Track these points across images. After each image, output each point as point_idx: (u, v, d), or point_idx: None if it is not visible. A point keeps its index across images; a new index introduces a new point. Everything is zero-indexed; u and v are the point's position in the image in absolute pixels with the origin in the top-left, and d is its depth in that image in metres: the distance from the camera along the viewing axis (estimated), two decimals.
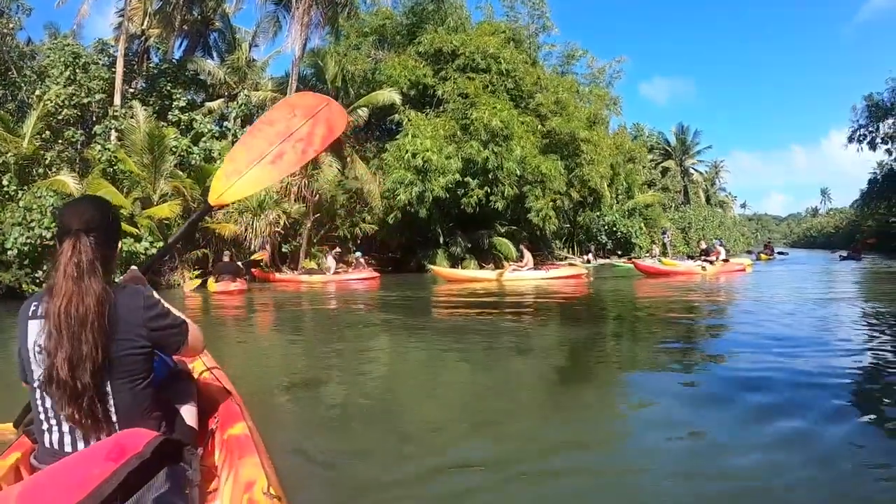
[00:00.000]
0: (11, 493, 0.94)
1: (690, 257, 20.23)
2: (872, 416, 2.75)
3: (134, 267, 1.54)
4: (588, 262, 22.92)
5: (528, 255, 14.36)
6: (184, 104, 16.30)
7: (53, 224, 9.90)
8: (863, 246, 27.16)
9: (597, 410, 3.06)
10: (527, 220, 20.18)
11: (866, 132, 34.94)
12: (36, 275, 9.94)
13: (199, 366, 2.04)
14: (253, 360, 4.53)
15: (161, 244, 11.26)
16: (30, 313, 1.25)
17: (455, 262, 18.55)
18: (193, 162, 14.44)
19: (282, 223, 14.88)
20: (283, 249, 16.05)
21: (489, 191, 17.96)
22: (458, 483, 2.01)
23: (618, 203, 29.89)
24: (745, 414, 2.77)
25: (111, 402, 1.23)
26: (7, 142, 11.84)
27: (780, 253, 31.63)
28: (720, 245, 16.59)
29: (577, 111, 21.85)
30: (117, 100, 15.15)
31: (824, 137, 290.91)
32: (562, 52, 25.81)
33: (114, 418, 1.23)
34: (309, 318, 7.79)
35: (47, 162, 12.74)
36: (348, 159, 18.03)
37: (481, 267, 17.76)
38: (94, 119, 15.50)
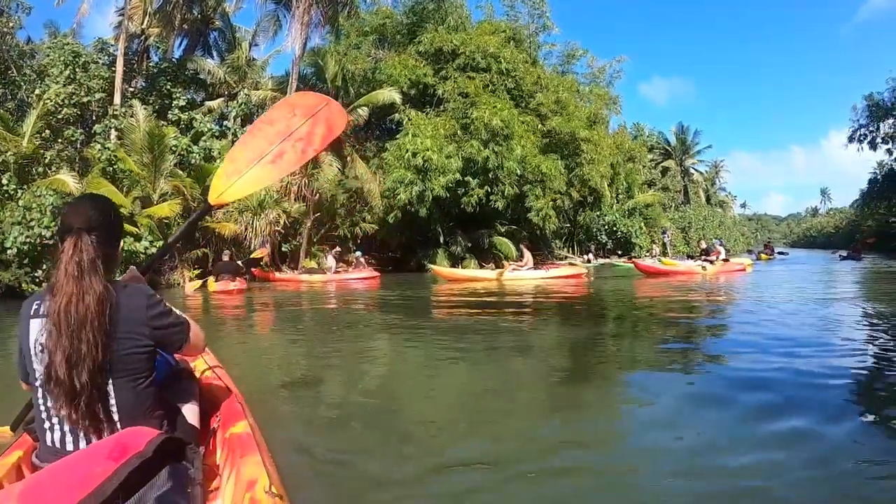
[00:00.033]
0: (13, 492, 0.94)
1: (690, 257, 20.25)
2: (873, 416, 2.75)
3: (133, 267, 1.53)
4: (588, 261, 22.93)
5: (527, 255, 14.36)
6: (184, 103, 16.30)
7: (53, 223, 9.89)
8: (863, 246, 27.15)
9: (597, 410, 3.06)
10: (527, 220, 20.18)
11: (867, 132, 34.95)
12: (35, 274, 9.94)
13: (201, 364, 2.04)
14: (253, 360, 4.53)
15: (161, 243, 11.26)
16: (31, 312, 1.25)
17: (455, 261, 18.55)
18: (193, 161, 14.44)
19: (282, 222, 14.88)
20: (283, 249, 16.05)
21: (489, 190, 17.96)
22: (458, 482, 2.01)
23: (618, 203, 29.89)
24: (746, 414, 2.76)
25: (113, 400, 1.23)
26: (7, 141, 11.83)
27: (780, 253, 31.64)
28: (720, 245, 16.59)
29: (578, 111, 21.86)
30: (117, 99, 15.15)
31: (824, 137, 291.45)
32: (562, 52, 25.87)
33: (116, 417, 1.23)
34: (309, 318, 7.79)
35: (47, 161, 12.73)
36: (348, 158, 18.02)
37: (481, 266, 17.75)
38: (94, 118, 15.49)
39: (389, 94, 17.84)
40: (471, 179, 17.62)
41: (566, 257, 24.25)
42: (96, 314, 1.19)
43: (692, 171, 51.22)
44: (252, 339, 6.03)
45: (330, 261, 14.88)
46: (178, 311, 1.41)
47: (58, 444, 1.23)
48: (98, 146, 13.16)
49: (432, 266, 15.98)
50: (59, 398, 1.18)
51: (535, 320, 6.84)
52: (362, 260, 16.17)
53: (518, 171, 17.93)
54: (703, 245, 16.46)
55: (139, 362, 1.27)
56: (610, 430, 2.70)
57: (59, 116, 14.62)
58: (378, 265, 17.60)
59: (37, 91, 14.61)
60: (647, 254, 24.45)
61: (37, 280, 9.92)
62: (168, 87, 16.78)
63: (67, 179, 11.49)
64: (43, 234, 9.80)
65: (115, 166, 12.98)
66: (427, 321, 6.93)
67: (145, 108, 14.79)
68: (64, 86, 14.73)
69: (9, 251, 9.65)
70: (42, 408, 1.24)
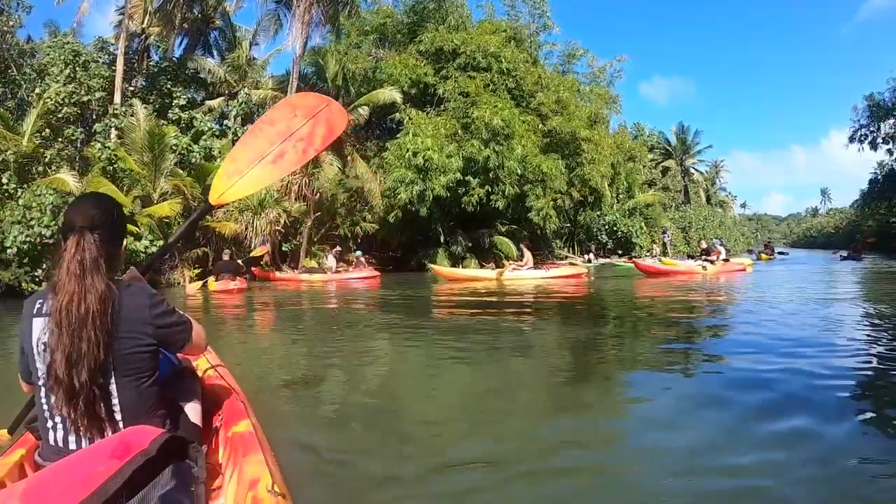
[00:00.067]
0: (16, 491, 0.94)
1: (690, 257, 20.24)
2: (873, 416, 2.75)
3: (133, 267, 1.53)
4: (589, 261, 22.94)
5: (528, 255, 14.36)
6: (184, 102, 16.30)
7: (53, 222, 9.89)
8: (863, 246, 27.13)
9: (597, 410, 3.05)
10: (527, 220, 20.18)
11: (867, 132, 34.94)
12: (35, 273, 9.94)
13: (203, 363, 2.04)
14: (254, 359, 4.53)
15: (161, 242, 11.26)
16: (34, 311, 1.25)
17: (456, 261, 18.55)
18: (194, 160, 14.43)
19: (282, 222, 14.88)
20: (284, 248, 16.04)
21: (490, 190, 17.95)
22: (459, 481, 2.01)
23: (618, 202, 29.88)
24: (746, 413, 2.76)
25: (116, 400, 1.23)
26: (7, 140, 11.83)
27: (780, 253, 31.64)
28: (720, 245, 16.60)
29: (578, 110, 21.85)
30: (117, 98, 15.15)
31: (824, 137, 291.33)
32: (562, 52, 25.85)
33: (118, 416, 1.23)
34: (309, 317, 7.78)
35: (47, 160, 12.73)
36: (349, 158, 18.02)
37: (482, 266, 17.75)
38: (94, 117, 15.49)
39: (390, 94, 17.84)
40: (471, 179, 17.62)
41: (567, 257, 24.25)
42: (98, 313, 1.19)
43: (692, 170, 51.22)
44: (252, 338, 6.03)
45: (330, 260, 14.88)
46: (179, 311, 1.41)
47: (60, 443, 1.23)
48: (98, 145, 13.16)
49: (433, 266, 15.98)
50: (60, 397, 1.18)
51: (535, 320, 6.84)
52: (363, 259, 16.18)
53: (519, 171, 17.93)
54: (704, 245, 16.46)
55: (142, 361, 1.27)
56: (610, 430, 2.70)
57: (60, 115, 14.61)
58: (378, 265, 17.60)
59: (37, 90, 14.61)
60: (648, 254, 24.45)
61: (36, 279, 9.91)
62: (168, 86, 16.77)
63: (67, 178, 11.48)
64: (43, 233, 9.79)
65: (115, 165, 12.98)
66: (427, 321, 6.93)
67: (145, 108, 14.79)
68: (64, 85, 14.72)
69: (9, 250, 9.64)
70: (45, 407, 1.24)
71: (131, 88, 17.10)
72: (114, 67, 15.74)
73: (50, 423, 1.24)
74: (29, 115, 13.02)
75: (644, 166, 36.67)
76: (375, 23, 20.76)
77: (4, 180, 11.25)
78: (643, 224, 30.41)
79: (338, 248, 16.15)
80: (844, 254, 24.87)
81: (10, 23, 16.71)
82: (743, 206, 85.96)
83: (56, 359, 1.17)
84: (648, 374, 3.84)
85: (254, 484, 1.18)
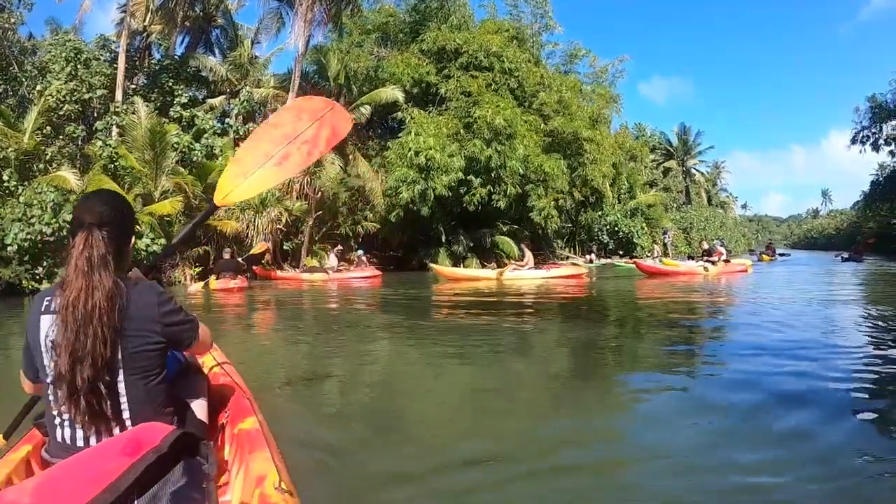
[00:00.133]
0: (27, 488, 0.93)
1: (691, 257, 20.24)
2: (875, 417, 2.74)
3: (136, 268, 1.52)
4: (590, 261, 22.95)
5: (528, 255, 14.35)
6: (185, 101, 16.30)
7: (54, 220, 9.89)
8: (864, 247, 27.10)
9: (597, 409, 3.05)
10: (529, 219, 20.17)
11: (869, 133, 34.94)
12: (36, 271, 9.93)
13: (209, 361, 2.04)
14: (255, 358, 4.53)
15: (162, 241, 11.25)
16: (42, 308, 1.25)
17: (457, 260, 18.55)
18: (195, 158, 14.43)
19: (283, 221, 14.88)
20: (285, 247, 16.04)
21: (492, 189, 17.95)
22: (462, 480, 2.02)
23: (620, 203, 29.88)
24: (746, 413, 2.77)
25: (124, 398, 1.23)
26: (8, 137, 11.83)
27: (781, 254, 31.60)
28: (721, 246, 16.59)
29: (580, 110, 21.86)
30: (119, 96, 15.14)
31: (824, 137, 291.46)
32: (564, 52, 25.87)
33: (126, 414, 1.23)
34: (311, 317, 7.78)
35: (48, 157, 12.74)
36: (350, 157, 18.03)
37: (483, 266, 17.75)
38: (96, 115, 15.50)
39: (392, 93, 17.83)
40: (473, 178, 17.62)
41: (568, 257, 24.25)
42: (105, 310, 1.18)
43: (694, 171, 51.23)
44: (254, 337, 6.02)
45: (332, 259, 14.88)
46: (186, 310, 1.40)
47: (68, 440, 1.22)
48: (99, 143, 13.15)
49: (434, 265, 15.98)
50: (64, 393, 1.18)
51: (535, 320, 6.83)
52: (364, 259, 16.18)
53: (520, 171, 17.93)
54: (705, 246, 16.46)
55: (150, 359, 1.26)
56: (611, 430, 2.70)
57: (61, 113, 14.62)
58: (380, 264, 17.59)
59: (38, 87, 14.62)
60: (648, 254, 24.45)
61: (37, 277, 9.90)
62: (170, 84, 16.77)
63: (68, 176, 11.49)
64: (43, 230, 9.78)
65: (116, 163, 12.97)
66: (428, 320, 6.93)
67: (147, 105, 14.78)
68: (65, 82, 14.73)
69: (9, 248, 9.62)
70: (52, 403, 1.23)
71: (133, 86, 17.11)
72: (115, 65, 15.74)
73: (57, 420, 1.23)
74: (30, 113, 13.02)
75: (645, 167, 36.70)
76: (378, 21, 20.76)
77: (5, 177, 11.25)
78: (644, 225, 30.40)
79: (339, 247, 16.15)
80: (846, 255, 24.84)
81: (12, 20, 16.71)
82: (744, 207, 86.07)
83: (61, 356, 1.17)
84: (649, 373, 3.84)
85: (260, 481, 1.17)
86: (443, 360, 4.40)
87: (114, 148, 13.03)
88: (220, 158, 14.47)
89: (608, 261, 25.48)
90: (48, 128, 13.52)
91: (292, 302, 9.56)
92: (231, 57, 19.56)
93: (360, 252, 16.36)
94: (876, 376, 3.56)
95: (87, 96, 15.03)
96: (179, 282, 12.65)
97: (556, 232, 24.34)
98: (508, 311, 7.54)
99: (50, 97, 13.88)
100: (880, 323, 5.87)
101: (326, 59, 18.62)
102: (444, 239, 18.86)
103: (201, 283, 11.35)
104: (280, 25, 19.08)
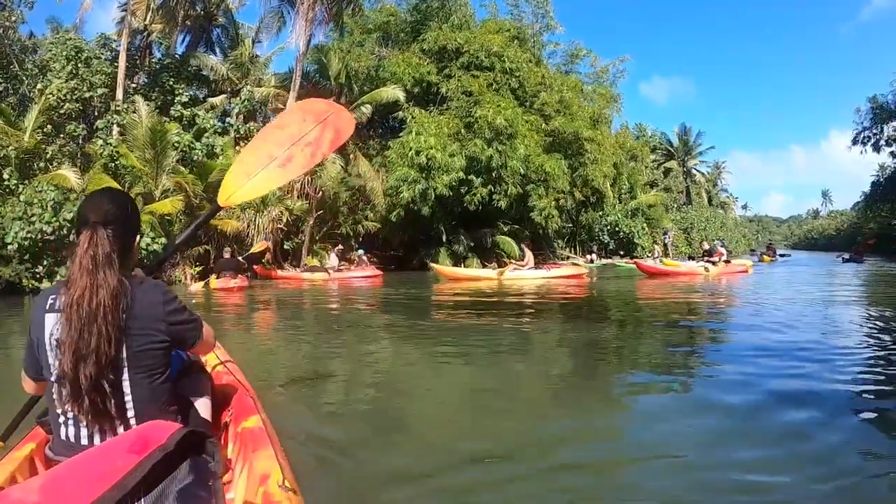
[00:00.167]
0: (33, 486, 0.93)
1: (692, 258, 20.23)
2: (875, 417, 2.75)
3: (138, 269, 1.51)
4: (591, 261, 22.95)
5: (529, 255, 14.35)
6: (186, 100, 16.29)
7: (54, 219, 9.88)
8: (865, 248, 27.09)
9: (597, 409, 3.06)
10: (530, 219, 20.16)
11: (870, 134, 34.95)
12: (36, 269, 9.92)
13: (213, 359, 2.04)
14: (256, 357, 4.53)
15: (163, 240, 11.25)
16: (47, 306, 1.25)
17: (457, 260, 18.54)
18: (196, 157, 14.42)
19: (284, 220, 14.87)
20: (286, 246, 16.04)
21: (492, 189, 17.94)
22: (464, 478, 2.04)
23: (620, 203, 29.86)
24: (746, 413, 2.77)
25: (129, 396, 1.23)
26: (8, 135, 11.83)
27: (782, 255, 31.59)
28: (722, 246, 16.58)
29: (581, 110, 21.84)
30: (119, 94, 15.14)
31: (824, 138, 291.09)
32: (565, 51, 25.83)
33: (130, 412, 1.23)
34: (311, 316, 7.78)
35: (48, 156, 12.73)
36: (351, 156, 18.01)
37: (484, 265, 17.74)
38: (96, 114, 15.50)
39: (393, 92, 17.82)
40: (474, 178, 17.61)
41: (569, 257, 24.24)
42: (109, 308, 1.18)
43: (694, 171, 51.19)
44: (254, 336, 6.02)
45: (332, 259, 14.87)
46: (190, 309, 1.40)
47: (72, 438, 1.22)
48: (100, 142, 13.14)
49: (434, 265, 15.97)
50: (68, 391, 1.18)
51: (536, 320, 6.84)
52: (364, 258, 16.17)
53: (521, 171, 17.92)
54: (706, 246, 16.46)
55: (155, 358, 1.26)
56: (611, 429, 2.71)
57: (61, 111, 14.62)
58: (380, 263, 17.59)
59: (39, 86, 14.61)
60: (649, 255, 24.45)
61: (37, 276, 9.89)
62: (171, 83, 16.76)
63: (69, 175, 11.48)
64: (44, 229, 9.77)
65: (116, 162, 12.95)
66: (429, 320, 6.93)
67: (148, 104, 14.77)
68: (66, 81, 14.73)
69: (9, 246, 9.62)
70: (56, 401, 1.23)
71: (133, 85, 17.10)
72: (116, 64, 15.73)
73: (61, 419, 1.23)
74: (30, 111, 13.02)
75: (646, 167, 36.67)
76: (379, 21, 20.74)
77: (6, 176, 11.24)
78: (645, 225, 30.38)
79: (340, 246, 16.15)
80: (846, 256, 24.84)
81: (13, 18, 16.71)
82: (744, 207, 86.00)
83: (64, 354, 1.17)
84: (649, 373, 3.84)
85: (264, 479, 1.18)
86: (443, 359, 4.40)
87: (114, 147, 13.02)
88: (220, 157, 14.46)
89: (609, 261, 25.48)
90: (49, 126, 13.52)
91: (293, 301, 9.56)
92: (232, 56, 19.56)
93: (361, 251, 16.36)
94: (876, 376, 3.56)
95: (87, 95, 15.02)
96: (180, 281, 12.65)
97: (557, 232, 24.33)
98: (509, 311, 7.54)
99: (50, 96, 13.87)
100: (881, 324, 5.87)
101: (327, 58, 18.61)
102: (444, 239, 18.85)
103: (202, 283, 11.34)
104: (281, 24, 19.07)
